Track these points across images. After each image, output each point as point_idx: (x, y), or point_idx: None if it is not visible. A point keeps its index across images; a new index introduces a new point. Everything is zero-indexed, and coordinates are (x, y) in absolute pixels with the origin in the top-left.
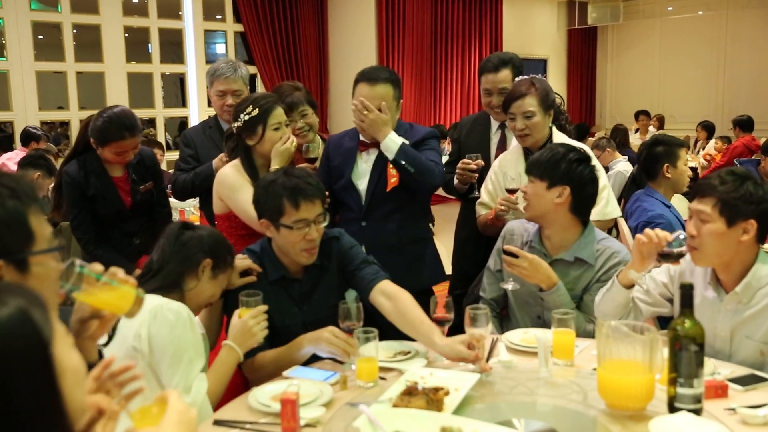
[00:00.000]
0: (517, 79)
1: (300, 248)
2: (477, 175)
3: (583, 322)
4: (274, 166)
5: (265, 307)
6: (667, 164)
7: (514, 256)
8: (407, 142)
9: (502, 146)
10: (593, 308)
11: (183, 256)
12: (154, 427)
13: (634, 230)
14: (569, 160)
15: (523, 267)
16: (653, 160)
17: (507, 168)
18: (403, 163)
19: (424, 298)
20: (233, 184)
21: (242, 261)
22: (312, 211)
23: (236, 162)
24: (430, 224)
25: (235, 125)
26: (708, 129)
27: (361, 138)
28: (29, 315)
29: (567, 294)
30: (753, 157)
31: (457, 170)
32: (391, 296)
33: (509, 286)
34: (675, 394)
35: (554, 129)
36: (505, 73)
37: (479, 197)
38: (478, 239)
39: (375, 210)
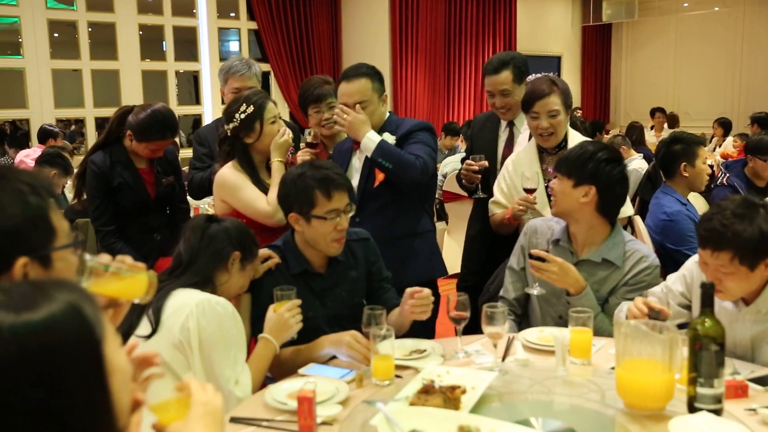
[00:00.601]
0: (533, 76)
1: (331, 239)
2: (480, 176)
3: (610, 326)
4: (275, 158)
5: (299, 301)
6: (684, 163)
7: (541, 260)
8: (390, 138)
9: (510, 144)
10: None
11: (213, 251)
12: (181, 421)
13: (652, 229)
14: (597, 160)
15: (553, 271)
16: (671, 159)
17: (522, 167)
18: (380, 160)
19: None
20: (234, 183)
21: (261, 250)
22: (342, 201)
23: (233, 162)
24: (444, 221)
25: (231, 126)
26: (724, 126)
27: None
28: (81, 310)
29: (594, 298)
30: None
31: (461, 170)
32: None
33: (535, 291)
34: (695, 394)
35: (569, 128)
36: (505, 75)
37: (481, 196)
38: (485, 236)
39: (367, 206)
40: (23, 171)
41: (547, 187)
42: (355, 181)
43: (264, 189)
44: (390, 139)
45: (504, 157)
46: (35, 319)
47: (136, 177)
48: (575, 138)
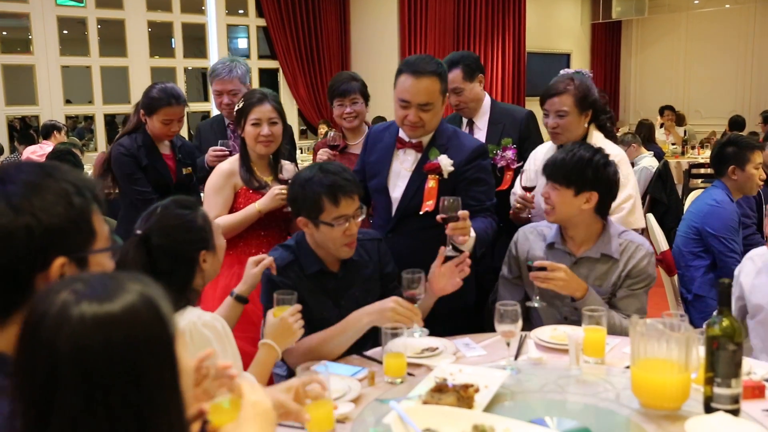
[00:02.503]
0: (563, 71)
1: (341, 243)
2: None
3: (619, 320)
4: (256, 204)
5: (300, 307)
6: (733, 166)
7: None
8: (447, 164)
9: None
10: (626, 305)
11: (183, 270)
12: (234, 423)
13: (694, 214)
14: (596, 165)
15: (560, 278)
16: (721, 160)
17: (539, 163)
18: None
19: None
20: (211, 186)
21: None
22: (351, 207)
23: (233, 158)
24: None
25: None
26: (736, 125)
27: (400, 134)
28: (156, 304)
29: (599, 297)
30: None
31: None
32: None
33: (536, 304)
34: (712, 394)
35: (592, 128)
36: (455, 73)
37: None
38: None
39: (404, 225)
40: (69, 170)
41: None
42: (396, 193)
43: (249, 179)
44: (447, 164)
45: None
46: (116, 310)
47: (159, 159)
48: (598, 141)
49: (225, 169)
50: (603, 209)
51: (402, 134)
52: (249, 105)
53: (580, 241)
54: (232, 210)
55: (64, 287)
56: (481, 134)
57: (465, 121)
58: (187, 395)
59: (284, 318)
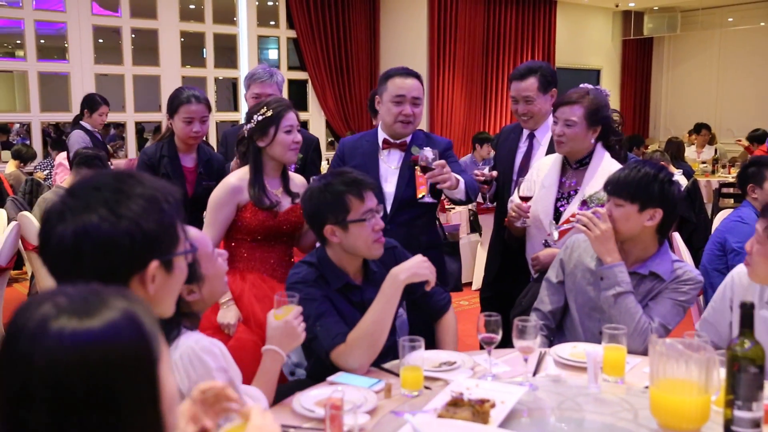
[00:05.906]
0: (582, 85)
1: (372, 240)
2: (487, 186)
3: (644, 322)
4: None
5: (300, 309)
6: (752, 185)
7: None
8: (430, 152)
9: (528, 156)
10: (651, 305)
11: None
12: None
13: (719, 230)
14: (661, 181)
15: (600, 229)
16: (742, 180)
17: (542, 173)
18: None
19: None
20: (214, 199)
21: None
22: (373, 200)
23: (242, 171)
24: (478, 233)
25: (248, 127)
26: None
27: (385, 136)
28: (139, 321)
29: (626, 275)
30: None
31: None
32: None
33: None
34: (732, 417)
35: (598, 146)
36: (530, 82)
37: (487, 206)
38: (497, 247)
39: (401, 215)
40: (153, 179)
41: (558, 200)
42: (389, 188)
43: (259, 198)
44: (430, 153)
45: (520, 168)
46: (96, 327)
47: (178, 171)
48: (604, 159)
49: (231, 185)
50: (664, 229)
51: (386, 136)
52: (280, 112)
53: (634, 258)
54: (236, 223)
55: (47, 300)
56: (541, 149)
57: (525, 133)
58: (169, 418)
59: (288, 321)
